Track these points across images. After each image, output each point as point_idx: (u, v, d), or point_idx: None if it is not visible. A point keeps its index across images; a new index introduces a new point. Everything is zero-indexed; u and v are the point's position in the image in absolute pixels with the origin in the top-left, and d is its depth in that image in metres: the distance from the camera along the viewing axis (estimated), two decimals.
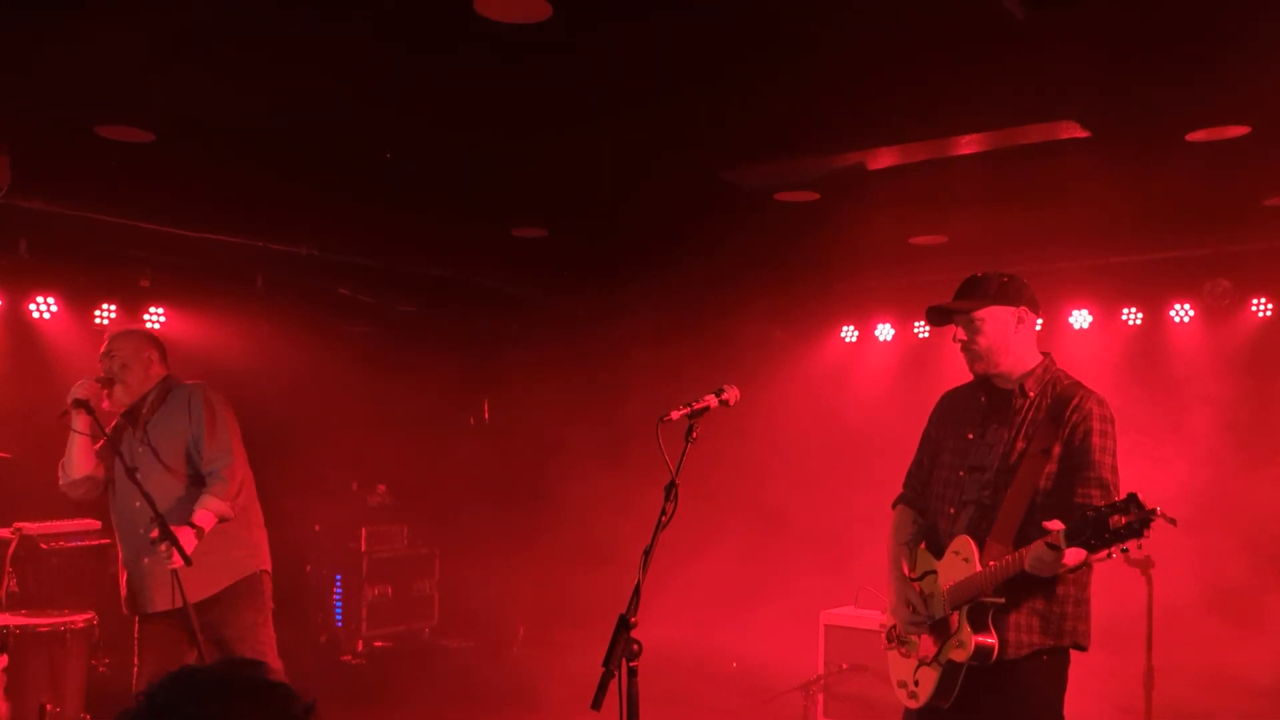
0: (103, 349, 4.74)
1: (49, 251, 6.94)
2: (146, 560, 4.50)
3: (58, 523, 6.71)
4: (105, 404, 4.65)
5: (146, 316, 7.74)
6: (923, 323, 7.37)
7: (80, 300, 7.48)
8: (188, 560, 4.22)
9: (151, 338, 4.85)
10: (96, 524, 6.91)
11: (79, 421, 4.52)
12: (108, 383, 4.62)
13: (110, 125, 5.02)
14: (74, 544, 6.72)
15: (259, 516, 4.85)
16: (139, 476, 4.41)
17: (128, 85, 4.54)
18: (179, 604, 4.33)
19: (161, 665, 4.44)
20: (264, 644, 4.66)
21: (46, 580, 6.44)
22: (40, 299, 7.28)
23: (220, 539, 4.56)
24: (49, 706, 5.05)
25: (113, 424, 4.74)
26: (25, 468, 6.87)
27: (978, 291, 3.47)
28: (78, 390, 4.49)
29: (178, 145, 5.33)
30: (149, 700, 1.60)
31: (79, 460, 4.64)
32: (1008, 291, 3.44)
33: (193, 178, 5.94)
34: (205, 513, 4.50)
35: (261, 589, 4.73)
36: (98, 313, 7.56)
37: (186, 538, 4.35)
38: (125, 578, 4.67)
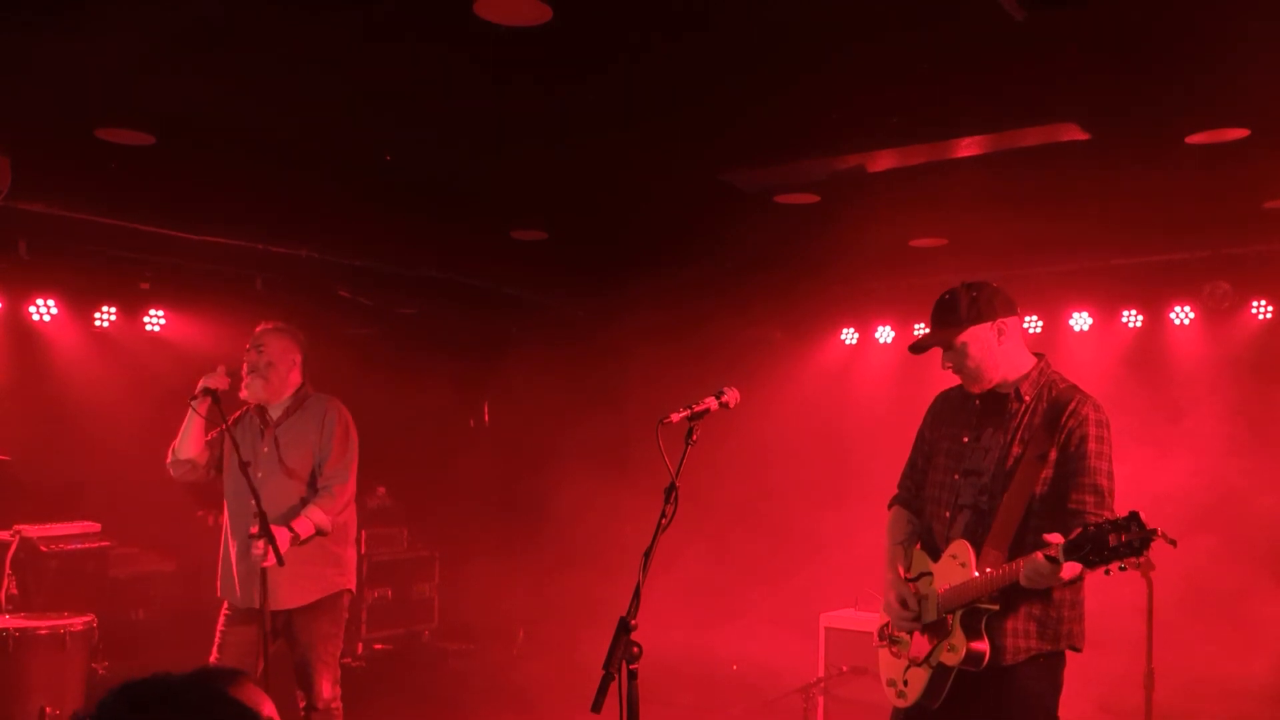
0: (251, 341, 4.85)
1: (49, 253, 6.93)
2: (250, 553, 4.55)
3: (57, 525, 6.71)
4: (242, 393, 4.77)
5: (146, 319, 7.74)
6: (923, 325, 7.38)
7: (80, 302, 7.48)
8: (280, 560, 4.31)
9: (300, 341, 4.95)
10: (96, 526, 6.92)
11: (201, 406, 4.61)
12: (240, 374, 4.72)
13: (110, 128, 5.02)
14: (74, 546, 6.72)
15: (354, 535, 4.97)
16: (255, 473, 4.50)
17: (128, 88, 4.54)
18: (285, 606, 4.52)
19: (238, 661, 4.59)
20: (332, 655, 4.80)
21: (46, 583, 6.44)
22: (40, 301, 7.27)
23: (318, 553, 4.69)
24: (49, 709, 5.05)
25: (235, 415, 4.81)
26: (25, 470, 6.89)
27: (951, 316, 3.46)
28: (209, 379, 4.58)
29: (177, 148, 5.33)
30: (96, 717, 1.59)
31: (190, 442, 4.75)
32: (979, 307, 3.43)
33: (192, 180, 5.94)
34: (306, 521, 4.63)
35: (343, 606, 4.85)
36: (97, 315, 7.56)
37: (283, 539, 4.45)
38: (221, 567, 4.78)
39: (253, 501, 4.34)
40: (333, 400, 4.94)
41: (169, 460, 4.82)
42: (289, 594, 4.58)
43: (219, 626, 4.75)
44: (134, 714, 1.58)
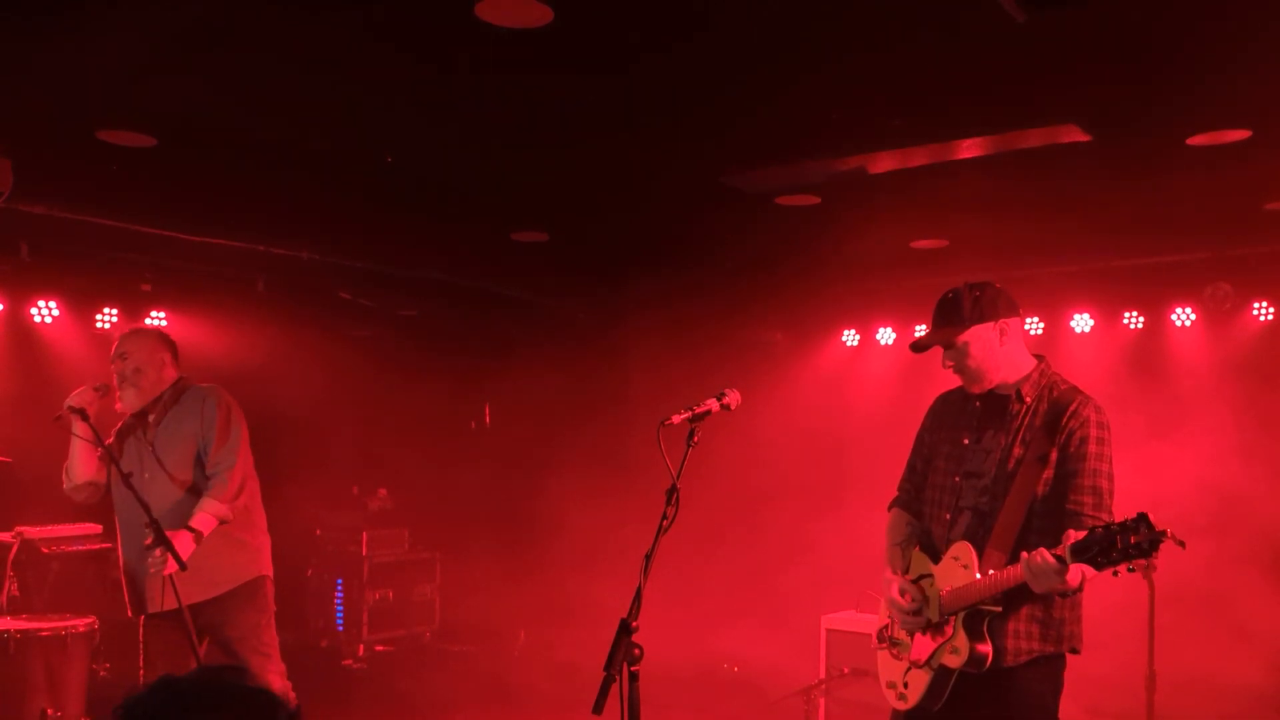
0: (114, 349, 4.75)
1: (50, 255, 6.94)
2: (147, 561, 4.51)
3: (59, 526, 6.71)
4: (117, 405, 4.69)
5: (148, 320, 7.74)
6: (924, 326, 7.36)
7: (81, 304, 7.49)
8: (182, 565, 4.24)
9: (164, 338, 4.86)
10: (97, 528, 6.92)
11: (78, 427, 4.52)
12: (105, 390, 4.63)
13: (112, 130, 5.02)
14: (75, 548, 6.72)
15: (262, 521, 4.85)
16: (139, 481, 4.43)
17: (129, 90, 4.54)
18: (170, 606, 4.35)
19: (169, 667, 4.46)
20: (267, 645, 4.69)
21: (47, 584, 6.44)
22: (41, 303, 7.28)
23: (222, 542, 4.58)
24: (49, 711, 5.04)
25: (117, 427, 4.75)
26: (26, 472, 6.87)
27: (953, 316, 3.45)
28: (74, 398, 4.51)
29: (179, 149, 5.33)
30: (128, 713, 1.58)
31: (80, 465, 4.68)
32: (982, 308, 3.42)
33: (194, 182, 5.95)
34: (204, 515, 4.51)
35: (263, 593, 4.75)
36: (99, 317, 7.56)
37: (184, 542, 4.36)
38: (126, 579, 4.69)
39: (142, 510, 4.28)
40: (212, 388, 4.78)
41: (65, 486, 4.73)
42: (199, 588, 4.44)
43: (140, 640, 4.67)
44: (175, 714, 1.58)
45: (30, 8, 3.76)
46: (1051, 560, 3.01)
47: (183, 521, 4.46)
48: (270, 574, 4.81)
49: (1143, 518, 2.87)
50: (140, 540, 4.49)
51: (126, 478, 4.37)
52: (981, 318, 3.42)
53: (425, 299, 9.07)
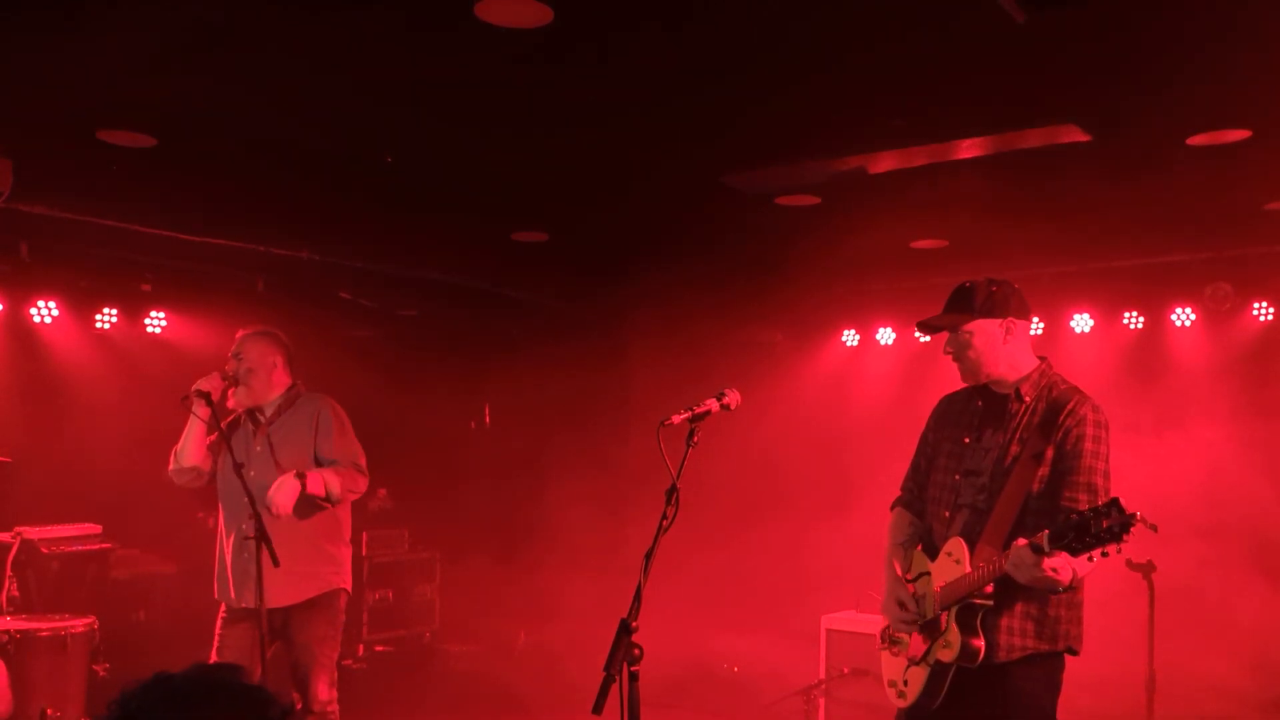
0: (232, 349, 4.86)
1: (50, 255, 6.94)
2: (244, 555, 4.57)
3: (58, 527, 6.71)
4: (230, 402, 4.77)
5: (147, 321, 7.74)
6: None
7: (81, 304, 7.48)
8: (276, 562, 4.28)
9: (280, 342, 4.94)
10: (97, 528, 6.92)
11: (200, 410, 4.60)
12: (232, 380, 4.70)
13: (112, 130, 5.02)
14: (75, 548, 6.71)
15: (349, 535, 4.95)
16: (249, 473, 4.49)
17: (129, 90, 4.54)
18: (281, 603, 4.50)
19: (239, 659, 4.56)
20: (328, 657, 4.79)
21: (47, 584, 6.44)
22: (41, 303, 7.28)
23: (312, 551, 4.69)
24: (49, 711, 5.05)
25: (228, 420, 4.81)
26: (26, 472, 6.88)
27: (965, 304, 3.48)
28: (202, 382, 4.59)
29: (179, 150, 5.33)
30: (123, 707, 1.58)
31: (192, 449, 4.75)
32: (994, 303, 3.45)
33: (194, 182, 5.95)
34: (319, 477, 4.63)
35: (339, 607, 4.84)
36: (99, 317, 7.56)
37: (291, 489, 4.52)
38: (218, 568, 4.78)
39: (247, 502, 4.34)
40: (325, 398, 4.94)
41: (171, 468, 4.82)
42: (283, 592, 4.55)
43: (217, 629, 4.75)
44: (170, 709, 1.58)
45: (30, 7, 3.76)
46: (1028, 551, 3.03)
47: (290, 524, 4.54)
48: (349, 589, 4.91)
49: (1114, 502, 2.90)
50: (240, 531, 4.59)
51: (239, 468, 4.42)
52: (992, 312, 3.45)
53: (425, 299, 9.07)
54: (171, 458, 4.80)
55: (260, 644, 4.43)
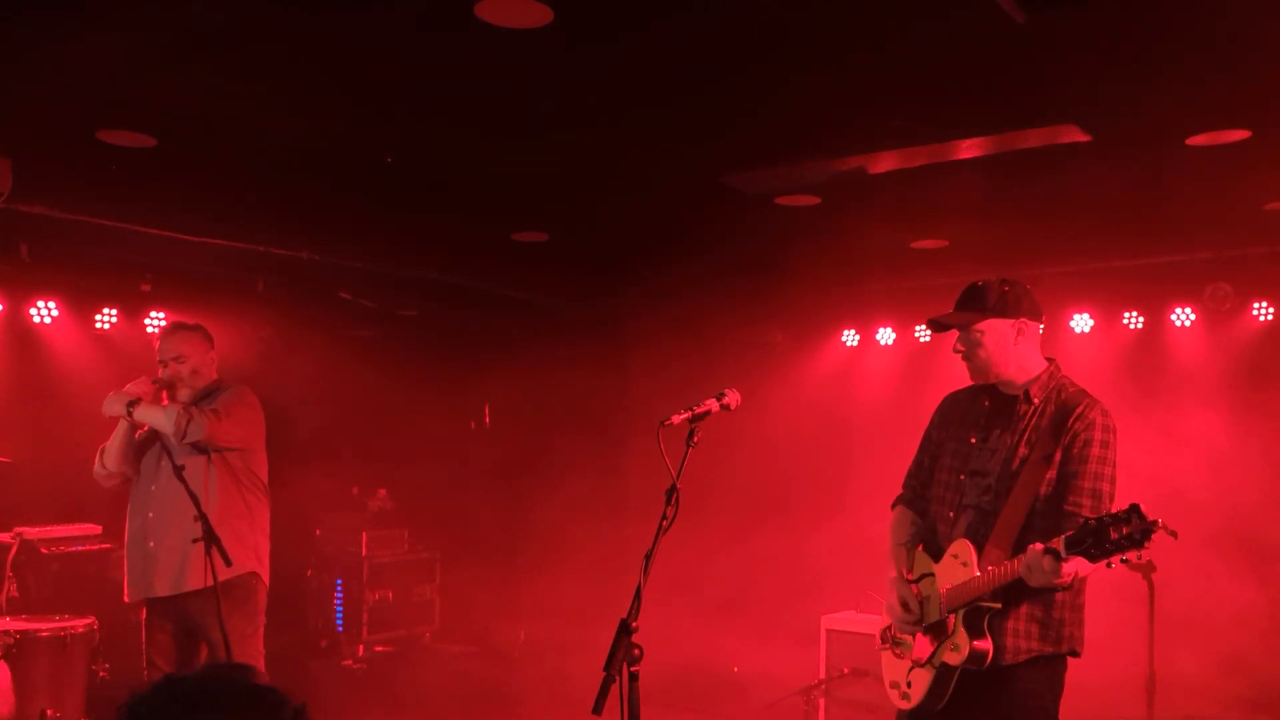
0: (169, 352, 4.79)
1: (50, 256, 6.94)
2: (151, 543, 4.55)
3: (58, 527, 6.72)
4: (164, 402, 4.74)
5: (147, 321, 7.74)
6: (924, 327, 7.38)
7: (81, 305, 7.49)
8: (228, 561, 4.26)
9: (209, 336, 4.92)
10: (97, 529, 6.92)
11: (136, 412, 4.61)
12: (168, 385, 4.70)
13: (111, 130, 5.02)
14: (75, 548, 6.72)
15: (265, 524, 4.88)
16: (160, 472, 4.52)
17: (129, 90, 4.54)
18: (181, 589, 4.42)
19: (171, 658, 4.60)
20: (250, 657, 4.65)
21: (47, 585, 6.44)
22: (41, 303, 7.28)
23: (223, 534, 4.55)
24: (49, 711, 5.04)
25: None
26: (26, 472, 6.89)
27: (976, 303, 3.47)
28: (132, 387, 4.61)
29: (179, 150, 5.33)
30: (132, 712, 1.56)
31: (119, 452, 4.74)
32: (1006, 303, 3.45)
33: (193, 182, 5.94)
34: (153, 407, 4.58)
35: (253, 592, 4.74)
36: (98, 317, 7.56)
37: (142, 383, 4.58)
38: (128, 562, 4.73)
39: (155, 489, 4.42)
40: (239, 386, 4.87)
41: (95, 470, 4.82)
42: (193, 575, 4.44)
43: (143, 633, 4.72)
44: (181, 711, 1.57)
45: (30, 7, 3.76)
46: (1046, 556, 3.02)
47: (222, 520, 4.50)
48: (265, 578, 4.82)
49: (1134, 509, 2.88)
50: (146, 521, 4.61)
51: (180, 470, 4.42)
52: (1004, 312, 3.44)
53: (425, 299, 9.07)
54: (97, 459, 4.80)
55: (219, 613, 4.34)
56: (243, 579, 4.67)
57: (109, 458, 4.75)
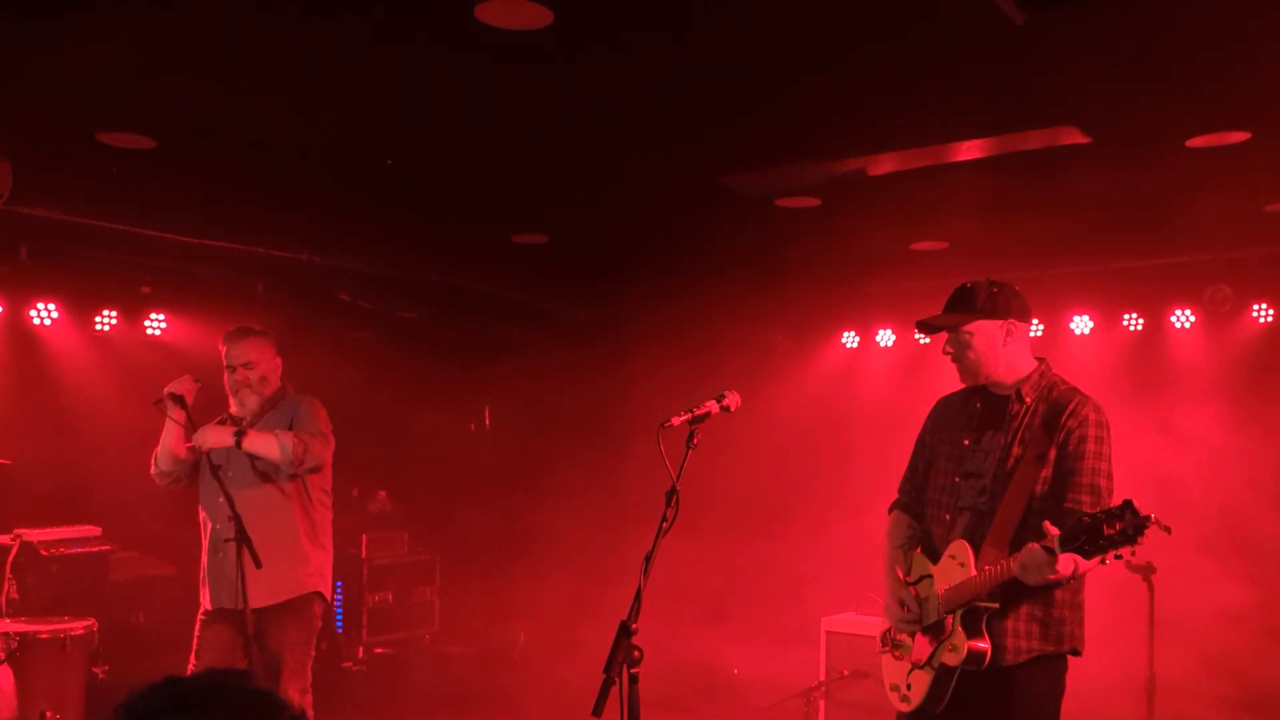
0: (238, 357, 4.74)
1: (50, 258, 6.94)
2: (219, 555, 4.55)
3: (58, 529, 6.71)
4: (233, 408, 4.74)
5: (147, 323, 7.74)
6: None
7: (81, 306, 7.48)
8: (258, 563, 4.24)
9: (274, 341, 4.88)
10: (97, 530, 6.92)
11: (175, 413, 4.57)
12: (207, 383, 4.68)
13: (111, 132, 5.03)
14: (74, 550, 6.71)
15: (329, 539, 4.90)
16: (227, 475, 4.47)
17: (129, 92, 4.55)
18: (239, 605, 4.38)
19: (218, 663, 4.50)
20: (301, 664, 4.69)
21: (47, 586, 6.43)
22: (41, 305, 7.28)
23: (287, 552, 4.61)
24: (49, 713, 5.05)
25: (212, 422, 4.76)
26: (26, 474, 6.89)
27: (965, 305, 3.47)
28: (174, 385, 4.57)
29: (178, 152, 5.33)
30: (130, 711, 1.56)
31: (170, 450, 4.69)
32: (995, 304, 3.44)
33: (193, 184, 5.95)
34: (264, 434, 4.53)
35: (314, 613, 4.76)
36: (98, 319, 7.56)
37: (217, 433, 4.49)
38: (202, 572, 4.73)
39: (222, 501, 4.33)
40: (310, 397, 4.86)
41: (153, 471, 4.78)
42: (256, 594, 4.43)
43: (195, 632, 4.69)
44: (178, 714, 1.57)
45: (30, 10, 3.76)
46: (1041, 553, 3.02)
47: (270, 525, 4.49)
48: (325, 593, 4.83)
49: (1127, 504, 2.88)
50: (216, 532, 4.57)
51: (215, 470, 4.41)
52: (993, 313, 3.43)
53: (425, 301, 9.07)
54: (152, 461, 4.76)
55: (246, 647, 4.38)
56: (302, 599, 4.70)
57: (162, 458, 4.72)
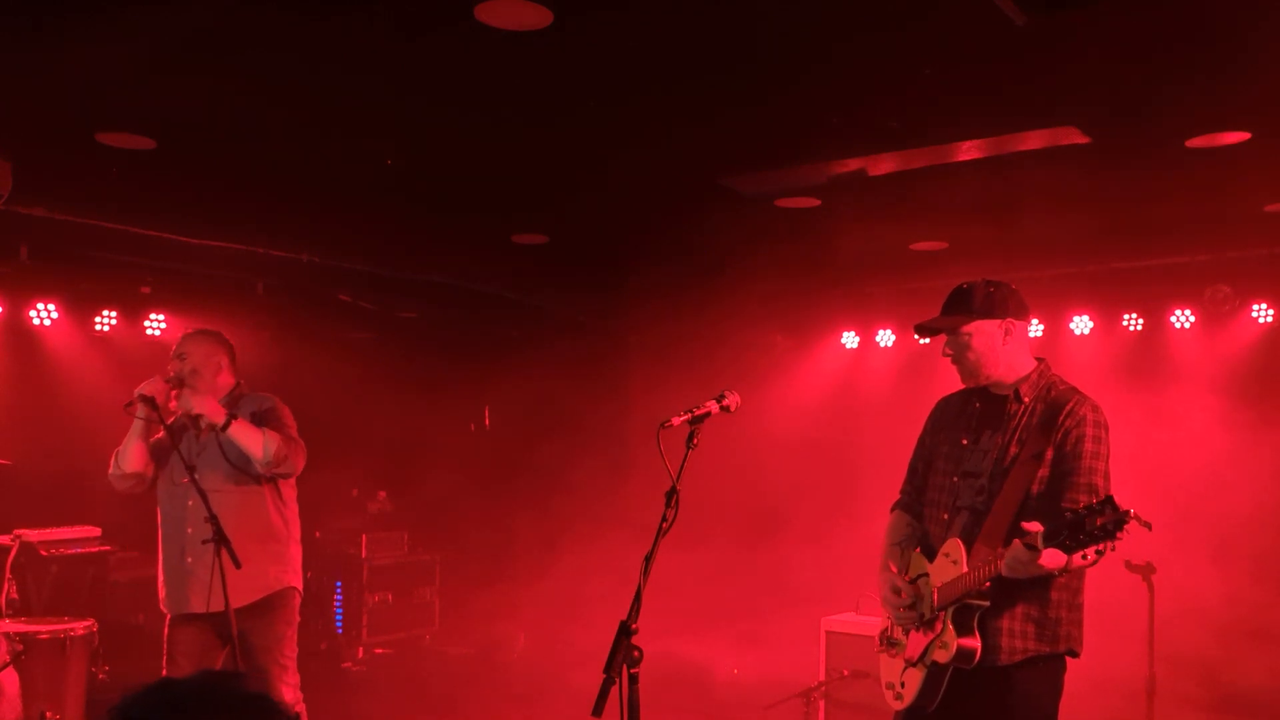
0: (174, 350, 4.73)
1: (50, 258, 6.94)
2: (189, 559, 4.50)
3: (58, 529, 6.71)
4: (171, 404, 4.64)
5: (147, 323, 7.74)
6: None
7: (81, 307, 7.48)
8: (237, 564, 4.20)
9: (223, 342, 4.82)
10: (96, 531, 6.91)
11: (145, 415, 4.52)
12: (177, 383, 4.60)
13: (111, 132, 5.03)
14: (74, 551, 6.71)
15: (298, 534, 4.84)
16: (196, 476, 4.41)
17: (129, 93, 4.55)
18: (214, 608, 4.33)
19: (195, 668, 4.46)
20: (288, 658, 4.67)
21: (46, 587, 6.43)
22: (41, 305, 7.28)
23: (259, 549, 4.56)
24: (49, 714, 5.05)
25: (170, 421, 4.68)
26: (26, 474, 6.88)
27: (963, 305, 3.47)
28: (145, 386, 4.51)
29: (178, 152, 5.34)
30: (123, 713, 1.55)
31: (133, 454, 4.63)
32: (993, 304, 3.44)
33: (193, 184, 5.95)
34: (254, 427, 4.49)
35: (291, 605, 4.73)
36: (98, 319, 7.56)
37: (213, 406, 4.45)
38: (163, 576, 4.68)
39: (192, 504, 4.30)
40: (270, 395, 4.80)
41: (111, 473, 4.70)
42: (234, 592, 4.34)
43: (164, 638, 4.65)
44: (172, 715, 1.56)
45: (30, 10, 3.76)
46: (1023, 550, 3.02)
47: (241, 516, 4.44)
48: (300, 587, 4.80)
49: (1108, 500, 2.88)
50: (183, 536, 4.52)
51: (190, 470, 4.37)
52: (991, 313, 3.43)
53: (425, 302, 9.07)
54: (112, 461, 4.68)
55: (230, 649, 4.32)
56: (283, 593, 4.68)
57: (124, 460, 4.63)
